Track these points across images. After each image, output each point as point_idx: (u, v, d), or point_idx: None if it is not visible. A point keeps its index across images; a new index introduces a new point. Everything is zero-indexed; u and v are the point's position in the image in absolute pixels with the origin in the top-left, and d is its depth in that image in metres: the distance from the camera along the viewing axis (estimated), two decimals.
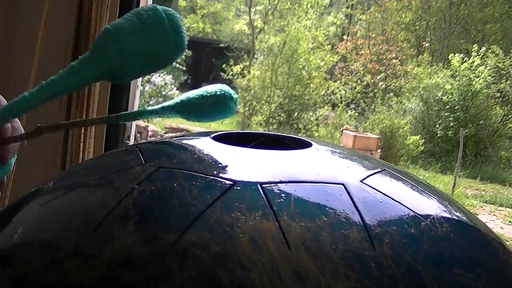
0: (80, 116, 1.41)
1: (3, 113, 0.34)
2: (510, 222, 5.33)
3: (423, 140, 8.45)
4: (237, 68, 10.26)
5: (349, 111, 9.78)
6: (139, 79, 1.65)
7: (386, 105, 9.50)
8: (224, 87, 0.50)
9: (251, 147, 0.52)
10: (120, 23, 0.37)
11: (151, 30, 0.37)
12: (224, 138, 0.54)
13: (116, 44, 0.36)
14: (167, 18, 0.38)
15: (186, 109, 0.48)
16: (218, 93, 0.48)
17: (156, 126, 7.99)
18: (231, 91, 0.50)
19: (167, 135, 7.01)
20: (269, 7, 10.86)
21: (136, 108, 1.55)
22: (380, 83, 10.20)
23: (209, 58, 12.94)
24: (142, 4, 1.53)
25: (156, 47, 0.38)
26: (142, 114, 0.49)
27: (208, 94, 0.47)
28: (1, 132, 0.41)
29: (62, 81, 0.35)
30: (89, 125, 1.35)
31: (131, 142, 1.61)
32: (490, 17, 11.13)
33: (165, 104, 0.49)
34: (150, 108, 0.49)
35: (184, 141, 0.54)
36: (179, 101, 0.48)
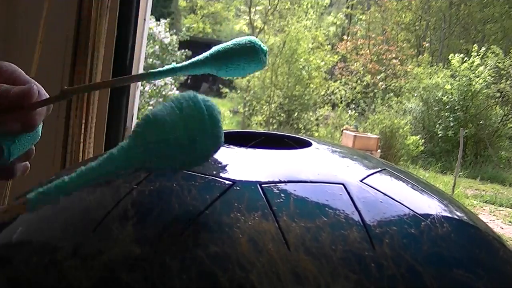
0: (80, 116, 1.41)
1: (39, 197, 0.34)
2: (510, 222, 5.32)
3: (423, 140, 8.45)
4: None
5: (349, 111, 9.78)
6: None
7: (386, 105, 9.50)
8: (253, 38, 0.47)
9: (251, 146, 0.52)
10: (161, 111, 0.36)
11: (191, 122, 0.36)
12: (224, 138, 0.54)
13: (156, 136, 0.35)
14: (206, 109, 0.37)
15: (218, 61, 0.45)
16: (248, 44, 0.46)
17: None
18: (261, 43, 0.47)
19: None
20: (269, 7, 10.85)
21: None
22: (380, 83, 10.20)
23: None
24: (142, 4, 1.53)
25: (194, 139, 0.37)
26: (173, 71, 0.45)
27: (238, 45, 0.45)
28: (26, 96, 0.40)
29: (100, 168, 0.35)
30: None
31: None
32: (490, 17, 11.13)
33: (195, 59, 0.46)
34: (179, 64, 0.46)
35: None
36: (209, 54, 0.46)
